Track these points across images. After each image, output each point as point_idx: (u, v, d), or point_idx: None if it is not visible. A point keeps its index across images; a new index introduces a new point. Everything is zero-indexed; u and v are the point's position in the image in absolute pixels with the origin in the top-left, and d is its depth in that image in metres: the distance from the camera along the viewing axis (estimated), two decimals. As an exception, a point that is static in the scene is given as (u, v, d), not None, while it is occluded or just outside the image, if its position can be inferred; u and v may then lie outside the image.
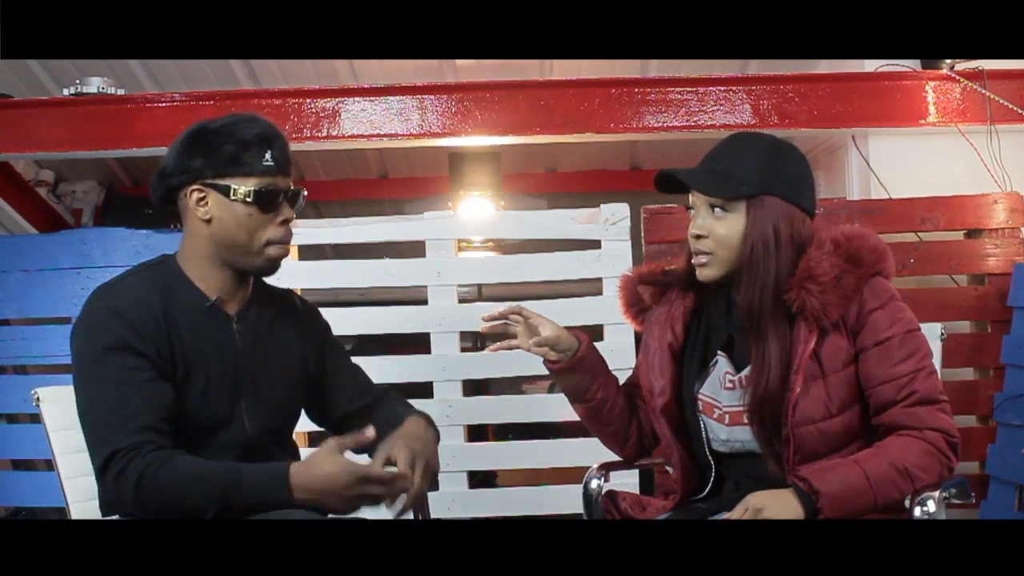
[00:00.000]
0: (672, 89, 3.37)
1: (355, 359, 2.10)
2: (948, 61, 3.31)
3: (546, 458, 3.27)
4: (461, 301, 3.29)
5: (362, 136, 3.41)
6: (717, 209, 1.76)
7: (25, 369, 3.42)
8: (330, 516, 1.70)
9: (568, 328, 1.94)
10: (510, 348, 1.92)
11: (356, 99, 3.40)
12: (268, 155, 1.80)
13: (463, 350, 3.30)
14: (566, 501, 3.05)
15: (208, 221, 1.82)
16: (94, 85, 3.38)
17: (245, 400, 1.86)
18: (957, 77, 3.31)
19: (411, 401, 2.08)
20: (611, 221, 3.22)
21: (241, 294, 1.89)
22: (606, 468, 2.09)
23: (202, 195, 1.81)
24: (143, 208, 4.47)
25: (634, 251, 3.24)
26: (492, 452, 3.46)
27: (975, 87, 3.29)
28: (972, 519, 2.59)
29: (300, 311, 2.03)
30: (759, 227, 1.74)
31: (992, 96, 3.27)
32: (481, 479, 3.65)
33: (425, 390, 3.18)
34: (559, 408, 3.25)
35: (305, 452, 2.13)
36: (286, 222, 1.85)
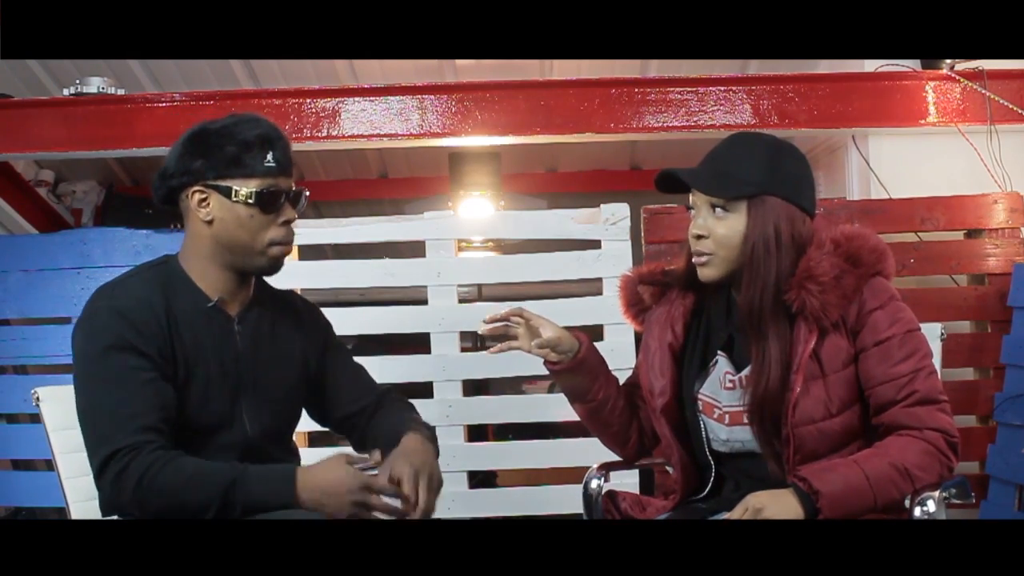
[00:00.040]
0: (672, 89, 3.37)
1: (356, 359, 2.10)
2: (948, 61, 3.31)
3: (546, 458, 3.27)
4: (461, 301, 3.28)
5: (362, 136, 3.41)
6: (718, 209, 1.76)
7: (25, 369, 3.42)
8: (328, 519, 1.70)
9: (568, 329, 1.94)
10: (510, 349, 1.91)
11: (356, 99, 3.40)
12: (270, 156, 1.80)
13: (463, 350, 3.30)
14: (566, 501, 3.05)
15: (210, 222, 1.82)
16: (94, 85, 3.38)
17: (245, 401, 1.86)
18: (957, 77, 3.31)
19: (411, 401, 2.08)
20: (611, 221, 3.22)
21: (243, 295, 1.89)
22: (606, 468, 2.09)
23: (204, 196, 1.81)
24: (143, 208, 4.47)
25: (634, 251, 3.24)
26: (492, 452, 3.46)
27: (975, 87, 3.29)
28: (972, 519, 2.59)
29: (301, 311, 2.03)
30: (760, 227, 1.74)
31: (992, 96, 3.27)
32: (481, 479, 3.65)
33: (425, 390, 3.18)
34: (559, 408, 3.25)
35: (305, 452, 2.14)
36: (288, 222, 1.85)
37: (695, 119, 3.37)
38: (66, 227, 4.29)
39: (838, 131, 3.49)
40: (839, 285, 1.73)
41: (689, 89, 3.37)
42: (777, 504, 1.64)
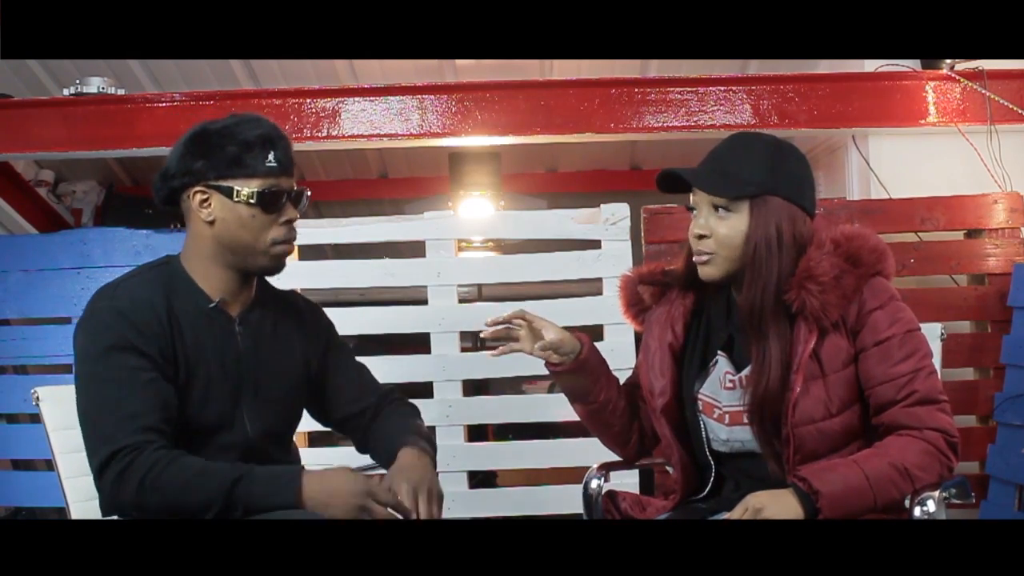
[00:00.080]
0: (672, 89, 3.37)
1: (358, 359, 2.10)
2: (948, 61, 3.31)
3: (546, 458, 3.27)
4: (461, 301, 3.29)
5: (362, 136, 3.41)
6: (720, 209, 1.76)
7: (25, 369, 3.42)
8: (329, 519, 1.70)
9: (569, 329, 1.94)
10: (512, 352, 1.91)
11: (356, 99, 3.40)
12: (271, 156, 1.80)
13: (463, 350, 3.30)
14: (566, 501, 3.05)
15: (211, 223, 1.81)
16: (94, 85, 3.38)
17: (246, 401, 1.86)
18: (957, 77, 3.31)
19: (411, 401, 2.08)
20: (611, 221, 3.22)
21: (244, 295, 1.89)
22: (606, 468, 2.08)
23: (205, 197, 1.81)
24: (143, 208, 4.47)
25: (634, 251, 3.24)
26: (492, 452, 3.46)
27: (975, 87, 3.29)
28: (972, 519, 2.59)
29: (303, 311, 2.02)
30: (762, 227, 1.74)
31: (992, 96, 3.27)
32: (481, 479, 3.65)
33: (425, 390, 3.18)
34: (559, 408, 3.25)
35: (305, 452, 2.14)
36: (290, 222, 1.84)
37: (695, 119, 3.37)
38: (66, 227, 4.29)
39: (838, 131, 3.49)
40: (839, 285, 1.73)
41: (689, 89, 3.37)
42: (777, 504, 1.64)
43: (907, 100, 3.35)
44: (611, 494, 1.99)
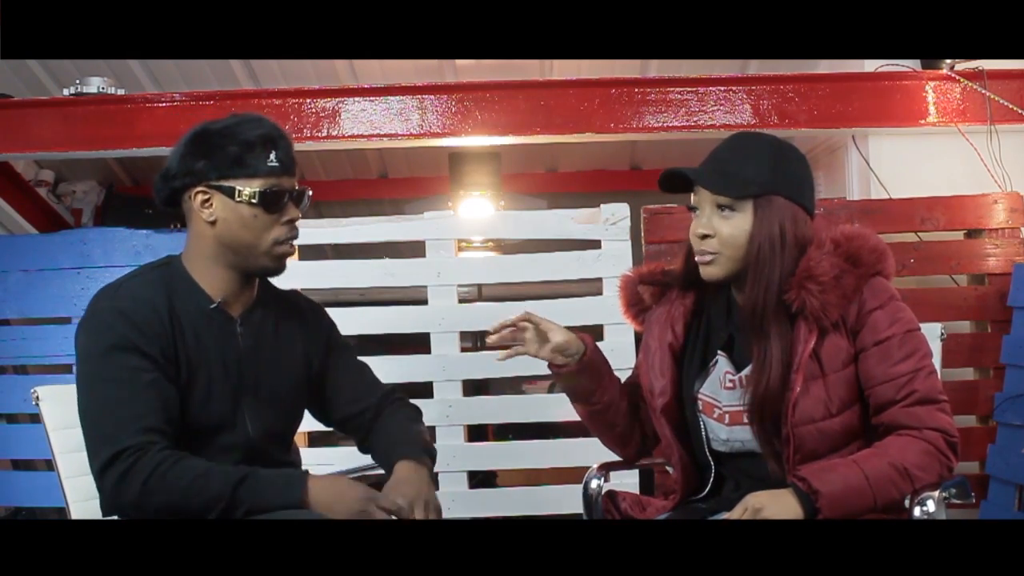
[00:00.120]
0: (672, 89, 3.37)
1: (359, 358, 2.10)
2: (948, 61, 3.31)
3: (546, 458, 3.27)
4: (461, 301, 3.28)
5: (362, 136, 3.41)
6: (724, 209, 1.76)
7: (25, 369, 3.42)
8: (330, 519, 1.70)
9: (569, 330, 1.94)
10: (518, 355, 1.90)
11: (356, 99, 3.40)
12: (272, 156, 1.80)
13: (463, 350, 3.30)
14: (566, 501, 3.05)
15: (213, 223, 1.81)
16: (94, 85, 3.38)
17: (247, 402, 1.86)
18: (957, 77, 3.31)
19: (413, 402, 2.07)
20: (611, 221, 3.22)
21: (246, 296, 1.89)
22: (606, 468, 2.08)
23: (206, 197, 1.81)
24: (143, 208, 4.47)
25: (634, 251, 3.24)
26: (492, 452, 3.46)
27: (975, 87, 3.29)
28: (972, 519, 2.59)
29: (305, 311, 2.02)
30: (766, 227, 1.74)
31: (992, 96, 3.27)
32: (481, 479, 3.65)
33: (425, 390, 3.18)
34: (559, 408, 3.25)
35: (305, 452, 2.14)
36: (292, 222, 1.84)
37: (695, 119, 3.37)
38: (66, 227, 4.29)
39: (838, 131, 3.49)
40: (839, 285, 1.73)
41: (689, 89, 3.37)
42: (776, 504, 1.64)
43: (907, 100, 3.35)
44: (611, 494, 1.99)
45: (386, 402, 2.01)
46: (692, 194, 1.81)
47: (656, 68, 4.08)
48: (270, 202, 1.80)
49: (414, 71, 4.24)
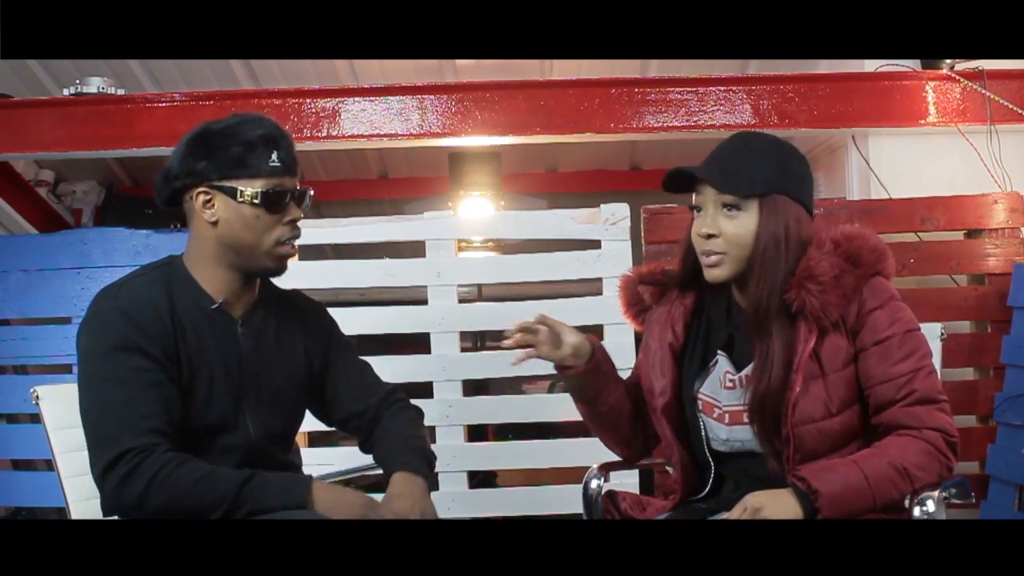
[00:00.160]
0: (672, 89, 3.37)
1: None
2: (948, 61, 3.31)
3: (546, 458, 3.27)
4: (461, 301, 3.29)
5: (362, 136, 3.41)
6: (730, 208, 1.75)
7: (25, 369, 3.42)
8: (330, 516, 1.71)
9: None
10: (531, 357, 1.87)
11: (356, 99, 3.40)
12: (274, 156, 1.80)
13: (463, 350, 3.30)
14: (566, 501, 3.05)
15: (215, 223, 1.81)
16: (94, 85, 3.38)
17: (248, 403, 1.86)
18: (957, 77, 3.31)
19: (412, 401, 2.07)
20: (611, 221, 3.22)
21: (247, 296, 1.89)
22: (606, 468, 2.08)
23: (208, 197, 1.80)
24: (143, 208, 4.47)
25: (634, 251, 3.24)
26: (492, 452, 3.46)
27: (975, 87, 3.29)
28: (972, 519, 2.59)
29: (306, 311, 2.02)
30: (771, 225, 1.74)
31: (992, 96, 3.27)
32: (481, 479, 3.65)
33: (425, 390, 3.18)
34: (559, 408, 3.27)
35: (305, 452, 2.14)
36: (293, 222, 1.84)
37: (695, 119, 3.37)
38: (66, 227, 4.30)
39: (838, 131, 3.49)
40: (839, 285, 1.73)
41: (689, 89, 3.37)
42: (776, 504, 1.64)
43: (907, 100, 3.35)
44: (611, 494, 1.99)
45: (387, 403, 2.01)
46: (694, 194, 1.80)
47: (656, 68, 4.08)
48: (272, 202, 1.80)
49: (414, 71, 4.25)
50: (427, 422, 2.06)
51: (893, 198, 3.30)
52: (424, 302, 3.25)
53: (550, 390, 4.27)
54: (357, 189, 5.49)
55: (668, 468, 2.00)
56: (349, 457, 2.26)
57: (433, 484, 1.92)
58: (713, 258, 1.77)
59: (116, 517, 1.74)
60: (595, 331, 3.03)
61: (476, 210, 4.57)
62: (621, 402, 1.96)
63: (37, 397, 2.05)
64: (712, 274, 1.79)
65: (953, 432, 1.72)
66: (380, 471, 1.96)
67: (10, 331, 3.34)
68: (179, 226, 3.41)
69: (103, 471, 1.68)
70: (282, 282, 1.98)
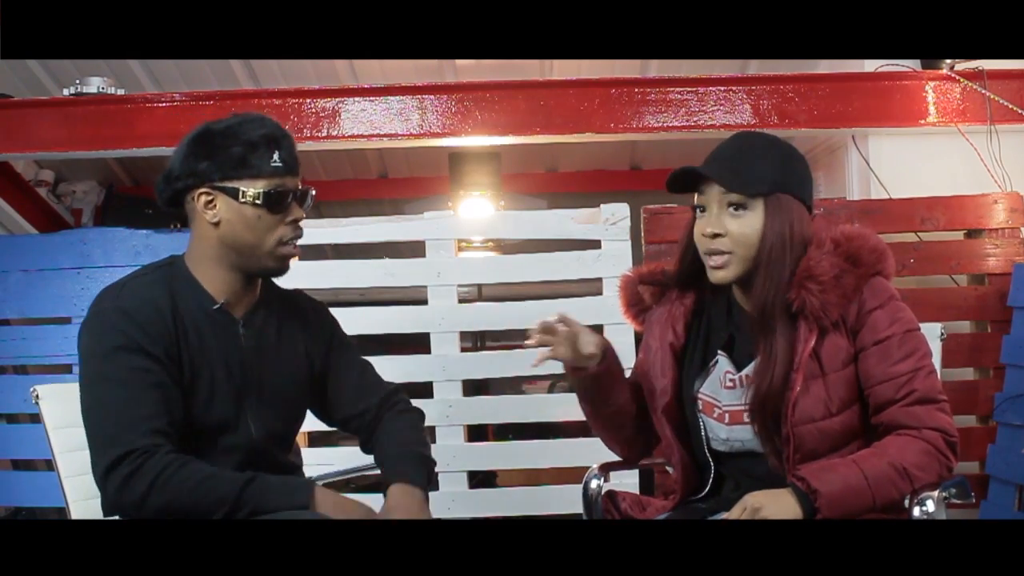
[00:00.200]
0: (672, 89, 3.37)
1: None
2: (948, 61, 3.32)
3: (546, 458, 3.27)
4: (461, 301, 3.29)
5: (362, 136, 3.41)
6: (736, 207, 1.75)
7: (25, 369, 3.42)
8: (330, 519, 1.71)
9: None
10: (550, 358, 1.84)
11: (356, 99, 3.40)
12: (276, 156, 1.79)
13: (463, 350, 3.30)
14: (566, 501, 3.05)
15: (216, 224, 1.81)
16: (94, 85, 3.38)
17: (249, 404, 1.86)
18: (957, 77, 3.31)
19: (412, 401, 2.07)
20: (611, 221, 3.22)
21: (249, 297, 1.89)
22: (606, 468, 2.08)
23: (210, 198, 1.80)
24: (143, 208, 4.47)
25: (634, 251, 3.24)
26: (492, 452, 3.46)
27: (975, 87, 3.29)
28: (972, 519, 2.59)
29: (307, 311, 2.02)
30: (777, 225, 1.74)
31: (992, 96, 3.27)
32: (481, 479, 3.65)
33: (425, 390, 3.18)
34: (559, 408, 3.28)
35: (305, 452, 2.14)
36: (295, 222, 1.84)
37: (695, 119, 3.37)
38: (66, 227, 4.29)
39: (838, 131, 3.49)
40: (839, 284, 1.73)
41: (689, 89, 3.37)
42: (775, 504, 1.64)
43: (907, 100, 3.35)
44: (611, 494, 1.99)
45: (388, 404, 2.00)
46: (697, 194, 1.80)
47: (656, 68, 4.08)
48: (274, 203, 1.80)
49: (414, 71, 4.25)
50: (427, 422, 2.06)
51: (893, 198, 3.30)
52: (424, 302, 3.25)
53: (550, 390, 4.27)
54: (357, 189, 5.49)
55: (668, 468, 2.00)
56: (349, 457, 2.27)
57: (433, 484, 1.92)
58: (719, 259, 1.77)
59: (116, 517, 1.74)
60: (595, 331, 3.03)
61: (476, 210, 4.56)
62: (628, 404, 1.95)
63: (37, 396, 2.04)
64: (717, 276, 1.78)
65: (953, 432, 1.72)
66: (376, 472, 1.96)
67: (10, 331, 3.34)
68: (179, 226, 3.41)
69: (105, 471, 1.68)
70: (282, 282, 1.98)
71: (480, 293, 4.38)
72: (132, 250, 3.27)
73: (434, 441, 3.12)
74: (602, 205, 3.24)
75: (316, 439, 3.31)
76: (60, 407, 2.01)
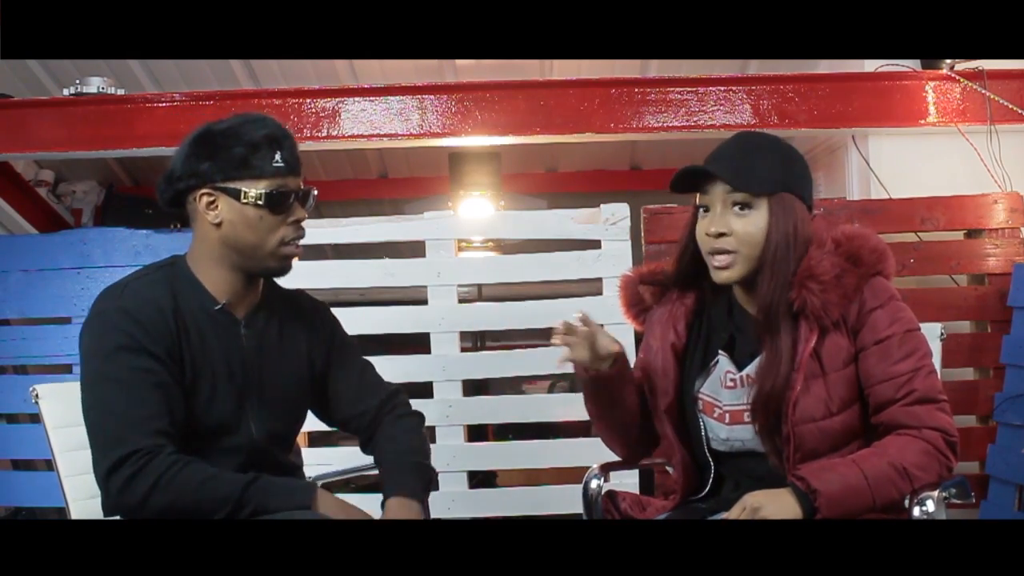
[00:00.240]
0: (672, 89, 3.37)
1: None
2: (948, 61, 3.32)
3: (546, 458, 3.27)
4: (461, 301, 3.28)
5: (362, 136, 3.41)
6: (740, 207, 1.75)
7: (25, 369, 3.42)
8: (331, 518, 1.71)
9: None
10: (569, 360, 1.83)
11: (356, 99, 3.40)
12: (278, 156, 1.79)
13: (463, 350, 3.30)
14: (566, 501, 3.04)
15: (218, 224, 1.80)
16: (94, 85, 3.38)
17: (251, 404, 1.86)
18: (957, 77, 3.31)
19: (412, 401, 2.07)
20: (611, 221, 3.22)
21: (250, 297, 1.89)
22: (606, 468, 2.08)
23: (212, 199, 1.80)
24: (143, 208, 4.47)
25: (634, 251, 3.24)
26: (492, 452, 3.46)
27: (975, 87, 3.29)
28: (972, 519, 2.59)
29: (308, 311, 2.01)
30: (782, 224, 1.74)
31: (992, 96, 3.27)
32: (481, 479, 3.65)
33: (425, 390, 3.18)
34: (559, 408, 3.28)
35: (305, 452, 2.14)
36: (297, 222, 1.83)
37: (695, 119, 3.37)
38: (66, 227, 4.29)
39: (838, 131, 3.49)
40: (840, 284, 1.73)
41: (689, 89, 3.37)
42: (775, 504, 1.64)
43: (907, 100, 3.35)
44: (611, 494, 1.99)
45: (388, 406, 2.00)
46: (699, 194, 1.79)
47: (656, 68, 4.08)
48: (276, 203, 1.79)
49: (414, 71, 4.25)
50: (427, 422, 2.06)
51: (893, 198, 3.30)
52: (424, 302, 3.25)
53: (550, 390, 4.27)
54: (357, 189, 5.49)
55: (668, 468, 2.00)
56: (349, 457, 2.26)
57: (434, 485, 1.92)
58: (724, 258, 1.76)
59: (117, 517, 1.74)
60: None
61: (476, 210, 4.57)
62: (635, 406, 1.95)
63: (37, 396, 2.04)
64: (722, 276, 1.78)
65: (953, 432, 1.72)
66: (374, 472, 1.96)
67: (10, 331, 3.34)
68: (179, 226, 3.41)
69: (108, 472, 1.68)
70: (283, 282, 1.98)
71: (480, 293, 4.38)
72: (132, 250, 3.27)
73: (434, 441, 3.12)
74: (602, 205, 3.24)
75: (316, 439, 3.31)
76: (60, 407, 2.01)
